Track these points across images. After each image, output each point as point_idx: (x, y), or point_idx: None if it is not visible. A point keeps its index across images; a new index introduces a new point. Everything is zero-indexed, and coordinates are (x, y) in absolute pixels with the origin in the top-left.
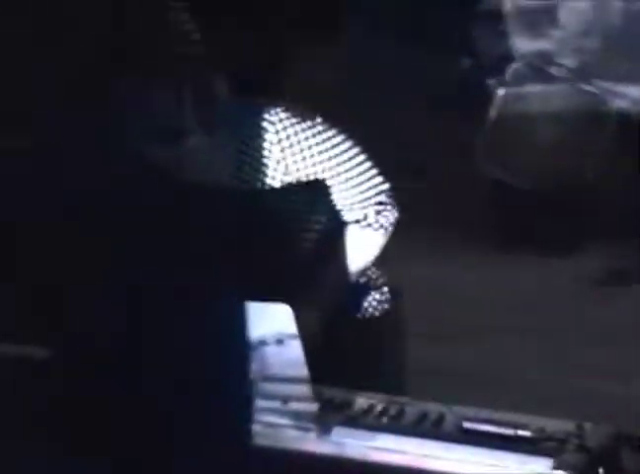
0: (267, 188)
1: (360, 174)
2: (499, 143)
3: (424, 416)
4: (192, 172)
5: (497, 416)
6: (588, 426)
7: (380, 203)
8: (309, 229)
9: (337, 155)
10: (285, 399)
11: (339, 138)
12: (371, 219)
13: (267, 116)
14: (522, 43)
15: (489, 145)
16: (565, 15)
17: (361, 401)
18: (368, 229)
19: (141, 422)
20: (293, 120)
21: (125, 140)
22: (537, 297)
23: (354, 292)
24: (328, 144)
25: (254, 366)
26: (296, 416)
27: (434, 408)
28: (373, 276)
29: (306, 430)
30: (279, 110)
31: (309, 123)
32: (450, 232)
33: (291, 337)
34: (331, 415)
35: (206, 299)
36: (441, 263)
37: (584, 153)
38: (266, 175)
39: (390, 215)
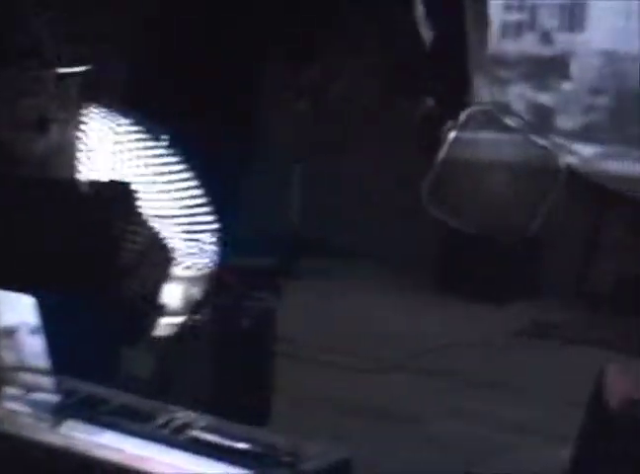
0: (89, 187)
1: (190, 206)
2: (444, 186)
3: (169, 421)
4: (44, 165)
5: (233, 428)
6: (305, 445)
7: (200, 241)
8: (125, 238)
9: (170, 178)
10: (29, 388)
11: (179, 164)
12: (193, 253)
13: (112, 122)
14: (482, 91)
15: (435, 187)
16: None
17: (115, 400)
18: (187, 261)
19: None
20: (137, 133)
21: None
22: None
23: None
24: (165, 165)
25: (1, 354)
26: (36, 405)
27: (183, 415)
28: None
29: (41, 419)
30: (125, 119)
31: (152, 139)
32: (387, 268)
33: (37, 328)
34: (70, 408)
35: None
36: (371, 297)
37: (527, 205)
38: (88, 174)
39: (208, 257)
